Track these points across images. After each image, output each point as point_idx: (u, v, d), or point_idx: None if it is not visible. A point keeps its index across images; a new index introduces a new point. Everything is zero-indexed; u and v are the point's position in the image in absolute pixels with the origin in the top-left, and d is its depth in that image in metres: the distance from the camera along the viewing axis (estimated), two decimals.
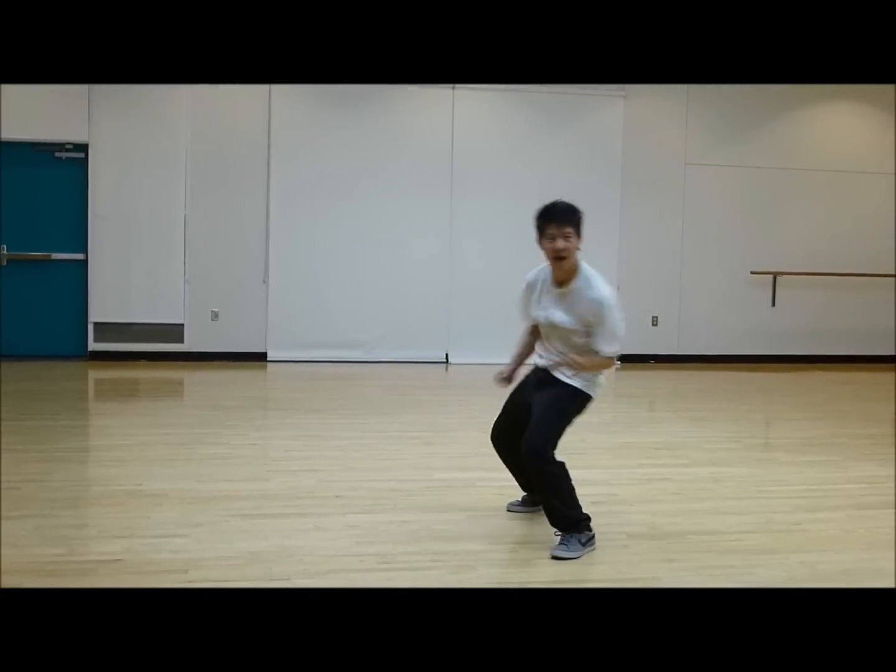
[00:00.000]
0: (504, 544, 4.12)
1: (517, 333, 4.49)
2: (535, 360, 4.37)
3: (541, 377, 4.27)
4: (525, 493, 4.59)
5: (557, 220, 4.09)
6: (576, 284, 4.12)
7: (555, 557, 3.95)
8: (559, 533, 4.05)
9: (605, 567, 3.87)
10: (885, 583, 3.71)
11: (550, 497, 4.06)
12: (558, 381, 4.18)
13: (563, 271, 4.12)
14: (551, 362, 4.22)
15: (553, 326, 4.18)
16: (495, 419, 4.46)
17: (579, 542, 4.01)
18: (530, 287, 4.29)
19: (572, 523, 4.03)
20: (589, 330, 4.09)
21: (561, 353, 4.17)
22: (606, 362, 4.15)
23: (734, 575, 3.80)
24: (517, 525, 4.39)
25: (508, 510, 4.59)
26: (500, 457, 4.50)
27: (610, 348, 4.09)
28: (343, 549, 4.00)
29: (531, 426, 4.07)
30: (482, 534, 4.23)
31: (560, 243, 4.06)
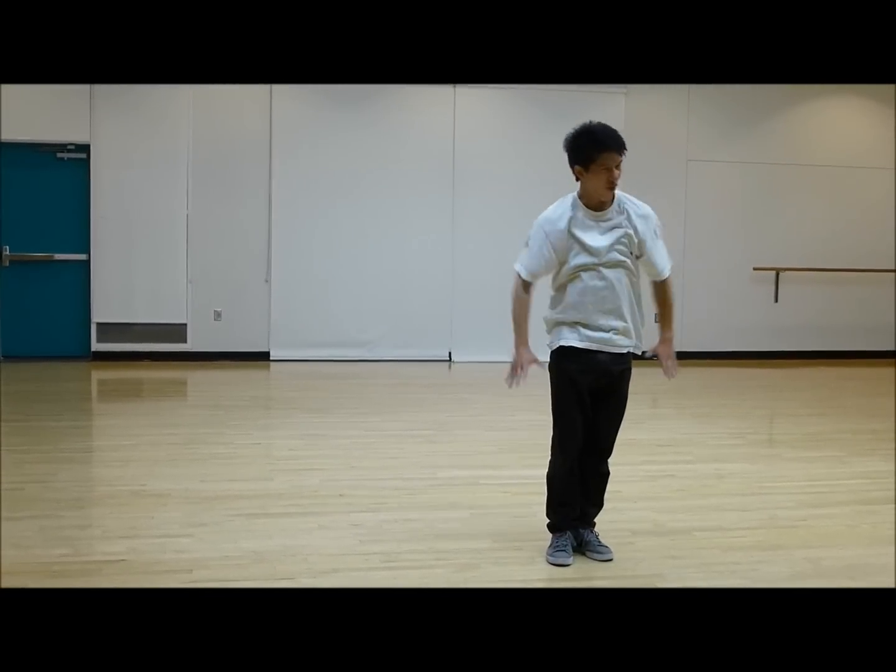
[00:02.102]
0: (508, 542, 4.11)
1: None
2: (575, 342, 3.80)
3: (597, 376, 3.82)
4: (571, 534, 3.97)
5: (617, 147, 3.71)
6: (617, 208, 3.78)
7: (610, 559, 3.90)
8: (597, 531, 4.00)
9: (610, 564, 3.86)
10: (889, 579, 3.71)
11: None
12: (621, 374, 3.86)
13: (606, 202, 3.77)
14: (609, 333, 3.78)
15: (605, 267, 3.75)
16: (565, 450, 3.89)
17: None
18: (553, 228, 3.77)
19: None
20: (641, 253, 3.80)
21: (610, 312, 3.77)
22: (670, 290, 3.92)
23: (739, 571, 3.79)
24: (521, 523, 4.38)
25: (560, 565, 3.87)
26: (571, 489, 3.94)
27: (669, 264, 3.89)
28: (347, 548, 4.00)
29: (609, 440, 3.92)
30: (486, 532, 4.23)
31: (616, 173, 3.71)
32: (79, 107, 9.51)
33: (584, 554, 3.92)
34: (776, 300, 11.06)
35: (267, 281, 10.04)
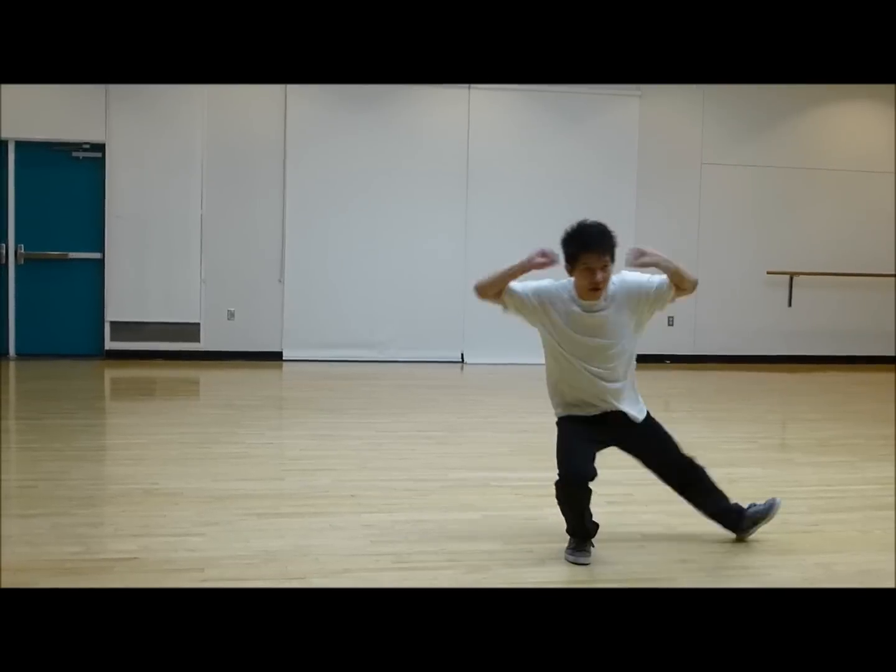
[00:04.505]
0: (519, 544, 4.11)
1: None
2: (573, 410, 3.91)
3: (609, 430, 3.89)
4: (585, 542, 3.93)
5: (597, 248, 3.63)
6: (609, 294, 3.77)
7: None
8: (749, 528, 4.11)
9: (621, 567, 3.86)
10: None
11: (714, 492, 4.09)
12: (633, 423, 3.93)
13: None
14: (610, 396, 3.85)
15: (595, 348, 3.79)
16: (568, 463, 3.82)
17: None
18: (544, 299, 3.79)
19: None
20: (652, 308, 3.84)
21: (606, 373, 3.82)
22: (683, 274, 3.82)
23: (750, 576, 3.78)
24: (532, 525, 4.38)
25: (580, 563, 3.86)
26: (579, 499, 3.84)
27: (661, 279, 3.83)
28: (358, 548, 4.00)
29: (670, 455, 3.99)
30: (497, 534, 4.23)
31: (599, 276, 3.63)
32: (94, 106, 9.54)
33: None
34: (790, 304, 11.03)
35: (280, 281, 10.06)
